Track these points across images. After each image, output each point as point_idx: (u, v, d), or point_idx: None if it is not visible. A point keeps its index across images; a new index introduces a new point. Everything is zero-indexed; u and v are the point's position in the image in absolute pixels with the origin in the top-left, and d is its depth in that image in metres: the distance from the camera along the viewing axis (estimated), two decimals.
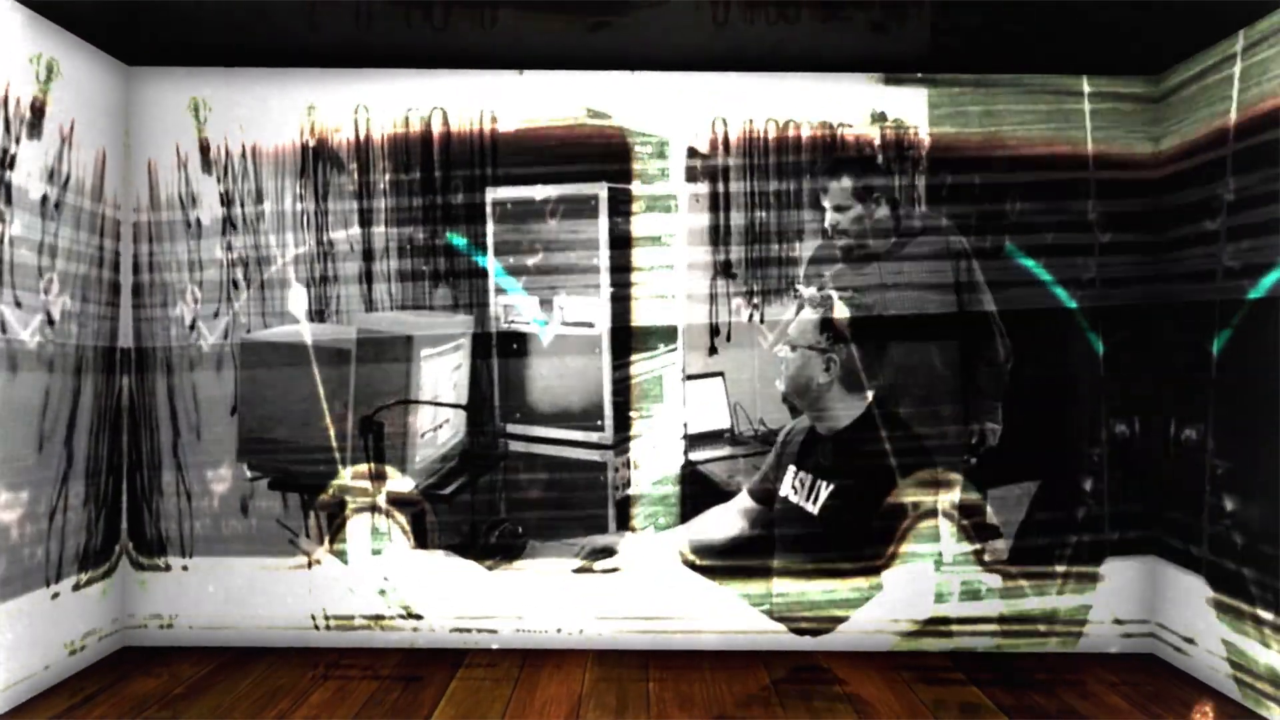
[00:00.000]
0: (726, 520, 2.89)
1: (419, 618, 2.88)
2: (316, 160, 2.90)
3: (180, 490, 2.88)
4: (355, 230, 2.89)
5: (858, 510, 2.83)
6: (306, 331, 2.87)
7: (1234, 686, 2.47)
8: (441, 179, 2.90)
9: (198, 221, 2.89)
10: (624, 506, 2.89)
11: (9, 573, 2.36)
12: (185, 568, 2.88)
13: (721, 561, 2.88)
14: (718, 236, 2.89)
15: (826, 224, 2.88)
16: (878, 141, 2.87)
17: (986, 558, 2.85)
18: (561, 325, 2.90)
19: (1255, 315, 2.40)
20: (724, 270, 2.89)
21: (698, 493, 2.89)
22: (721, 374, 2.90)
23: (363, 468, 2.87)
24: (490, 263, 2.91)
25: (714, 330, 2.89)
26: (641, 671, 2.68)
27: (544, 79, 2.89)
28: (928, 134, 2.87)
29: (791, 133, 2.88)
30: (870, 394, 2.84)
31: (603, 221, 2.88)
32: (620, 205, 2.88)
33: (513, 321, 2.91)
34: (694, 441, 2.90)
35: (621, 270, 2.89)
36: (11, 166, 2.36)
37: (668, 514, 2.90)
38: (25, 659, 2.42)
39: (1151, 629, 2.84)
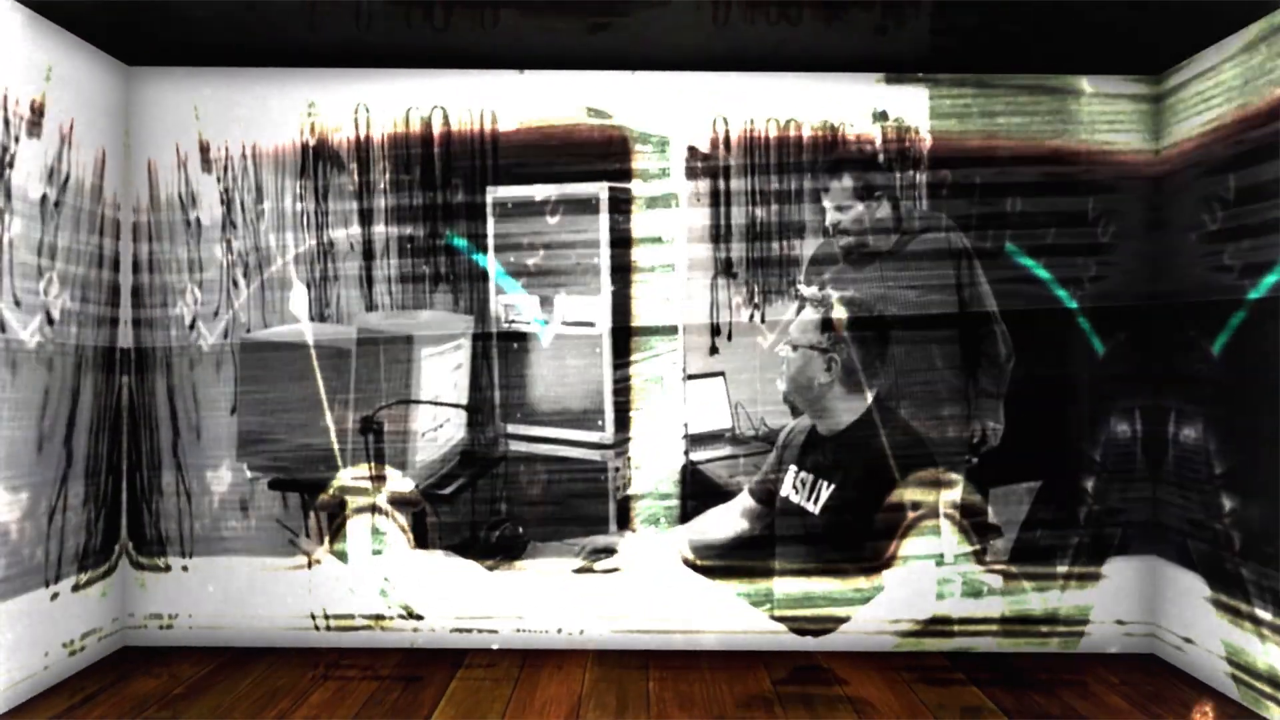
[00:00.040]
0: (727, 520, 2.89)
1: (419, 618, 2.88)
2: (317, 160, 2.90)
3: (180, 490, 2.88)
4: (355, 230, 2.89)
5: (859, 510, 2.83)
6: (307, 331, 2.87)
7: (1233, 686, 2.47)
8: (442, 178, 2.90)
9: (198, 221, 2.89)
10: (624, 506, 2.89)
11: (8, 573, 2.35)
12: (185, 568, 2.88)
13: (722, 561, 2.88)
14: (718, 236, 2.89)
15: (827, 223, 2.88)
16: (879, 140, 2.87)
17: (987, 557, 2.86)
18: (562, 325, 2.90)
19: (1255, 315, 2.40)
20: (725, 270, 2.89)
21: (698, 492, 2.89)
22: (722, 373, 2.90)
23: (363, 468, 2.86)
24: (490, 262, 2.90)
25: (715, 330, 2.89)
26: (641, 671, 2.68)
27: (544, 78, 2.90)
28: (928, 133, 2.87)
29: (792, 132, 2.89)
30: (871, 393, 2.84)
31: (603, 221, 2.88)
32: (621, 205, 2.88)
33: (513, 321, 2.91)
34: (695, 441, 2.90)
35: (622, 270, 2.89)
36: (11, 166, 2.36)
37: (668, 514, 2.90)
38: (25, 659, 2.41)
39: (1152, 629, 2.85)
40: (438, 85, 2.89)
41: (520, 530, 2.89)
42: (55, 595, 2.53)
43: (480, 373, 2.92)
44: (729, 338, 2.89)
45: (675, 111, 2.89)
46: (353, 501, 2.87)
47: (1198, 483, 2.62)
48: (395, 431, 2.85)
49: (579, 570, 2.88)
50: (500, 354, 2.92)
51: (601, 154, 2.88)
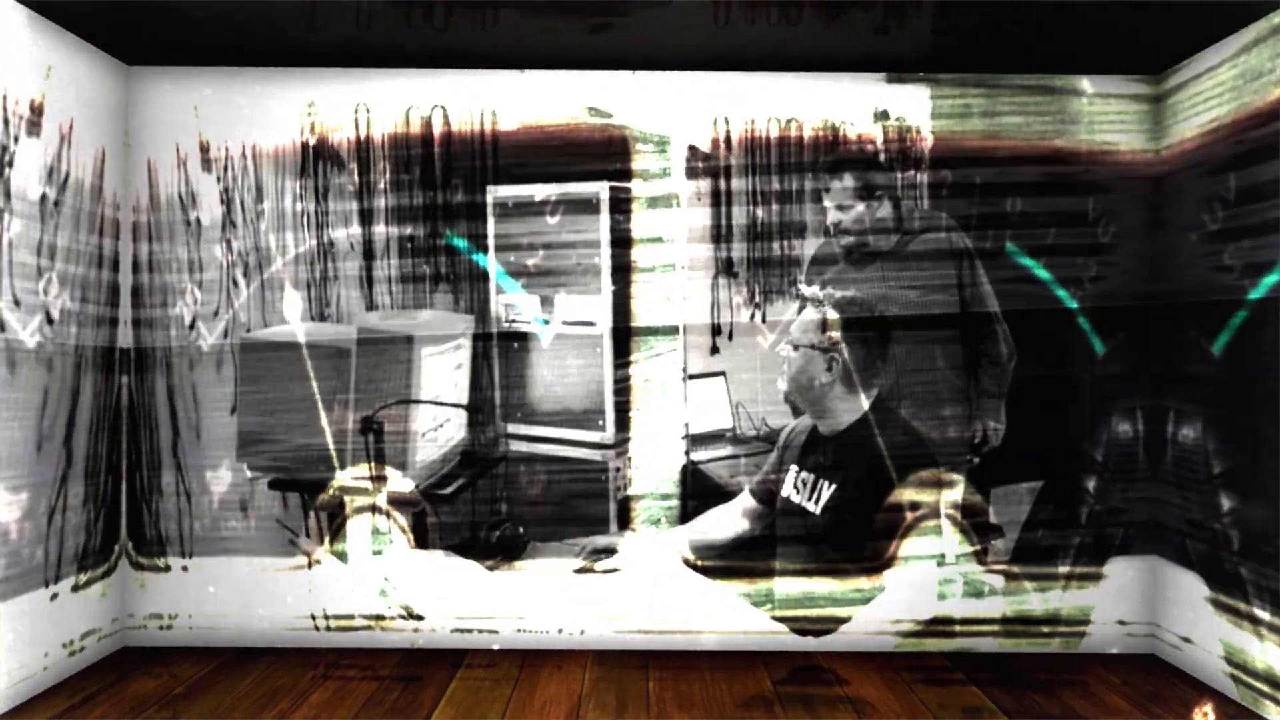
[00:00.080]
0: (728, 520, 2.89)
1: (419, 618, 2.87)
2: (317, 160, 2.89)
3: (180, 490, 2.87)
4: (355, 229, 2.89)
5: (859, 510, 2.83)
6: (299, 333, 2.87)
7: (1231, 685, 2.48)
8: (442, 178, 2.89)
9: (197, 221, 2.89)
10: (625, 506, 2.89)
11: (8, 573, 2.35)
12: (185, 568, 2.87)
13: (722, 561, 2.88)
14: (719, 235, 2.89)
15: (828, 223, 2.88)
16: (880, 140, 2.87)
17: (989, 558, 2.86)
18: (562, 324, 2.90)
19: (1255, 315, 2.41)
20: (726, 269, 2.89)
21: (699, 493, 2.89)
22: (723, 373, 2.90)
23: (363, 468, 2.86)
24: (491, 262, 2.90)
25: (715, 330, 2.89)
26: (641, 671, 2.68)
27: (545, 78, 2.89)
28: (929, 133, 2.87)
29: (793, 131, 2.88)
30: (872, 393, 2.84)
31: (604, 221, 2.88)
32: (621, 204, 2.88)
33: (513, 321, 2.91)
34: (695, 441, 2.90)
35: (622, 270, 2.88)
36: (11, 165, 2.36)
37: (669, 514, 2.89)
38: (25, 659, 2.41)
39: (1152, 629, 2.85)
40: (438, 85, 2.89)
41: (520, 530, 2.89)
42: (55, 595, 2.53)
43: (480, 373, 2.92)
44: (730, 338, 2.89)
45: (676, 111, 2.89)
46: (353, 502, 2.86)
47: (1197, 482, 2.63)
48: (395, 431, 2.85)
49: (579, 570, 2.88)
50: (500, 354, 2.91)
51: (602, 154, 2.88)
